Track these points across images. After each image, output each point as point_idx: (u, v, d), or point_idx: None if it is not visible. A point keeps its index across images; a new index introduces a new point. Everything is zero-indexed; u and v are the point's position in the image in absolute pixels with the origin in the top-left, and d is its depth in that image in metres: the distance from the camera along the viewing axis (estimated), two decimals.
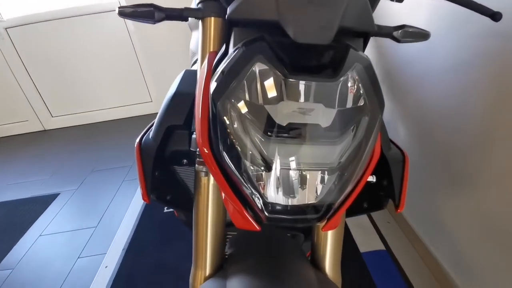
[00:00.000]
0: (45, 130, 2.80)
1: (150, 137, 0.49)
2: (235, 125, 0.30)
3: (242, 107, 0.29)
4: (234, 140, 0.30)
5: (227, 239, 0.53)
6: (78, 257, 1.29)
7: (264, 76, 0.29)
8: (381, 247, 1.12)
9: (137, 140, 0.49)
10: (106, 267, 1.21)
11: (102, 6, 2.33)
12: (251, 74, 0.29)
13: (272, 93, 0.29)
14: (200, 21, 0.44)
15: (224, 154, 0.31)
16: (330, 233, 0.47)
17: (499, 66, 0.63)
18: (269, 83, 0.29)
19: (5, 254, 1.34)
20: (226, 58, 0.32)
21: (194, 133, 0.45)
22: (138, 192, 1.64)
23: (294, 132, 0.29)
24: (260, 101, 0.29)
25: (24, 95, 2.61)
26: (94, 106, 2.73)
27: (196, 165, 0.42)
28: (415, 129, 1.00)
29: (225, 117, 0.30)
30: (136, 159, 0.47)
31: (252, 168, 0.31)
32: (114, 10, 2.37)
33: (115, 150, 2.20)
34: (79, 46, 2.46)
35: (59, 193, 1.77)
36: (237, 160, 0.31)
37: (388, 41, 1.05)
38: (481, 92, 0.68)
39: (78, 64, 2.53)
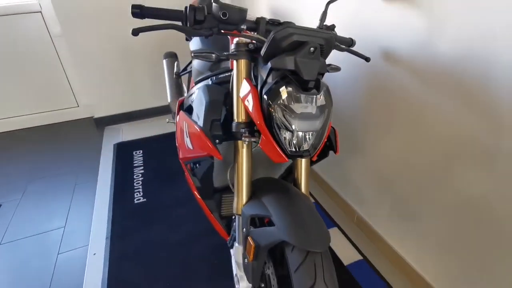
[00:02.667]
0: None
1: (202, 126, 0.82)
2: (278, 113, 0.68)
3: (282, 105, 0.67)
4: (277, 119, 0.68)
5: None
6: (58, 253, 1.38)
7: (290, 93, 0.68)
8: (313, 201, 1.63)
9: (198, 129, 0.81)
10: (94, 254, 1.35)
11: (20, 7, 2.21)
12: (285, 91, 0.67)
13: (293, 99, 0.68)
14: (235, 61, 0.79)
15: (273, 125, 0.68)
16: (303, 170, 0.88)
17: (368, 82, 1.17)
18: (292, 96, 0.68)
19: None
20: (268, 84, 0.69)
21: (234, 121, 0.79)
22: (101, 190, 1.75)
23: (302, 115, 0.69)
24: (288, 103, 0.68)
25: None
26: (7, 113, 2.50)
27: (243, 138, 0.77)
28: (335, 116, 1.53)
29: (274, 109, 0.67)
30: (203, 138, 0.79)
31: (284, 131, 0.69)
32: (35, 12, 2.27)
33: (49, 157, 2.15)
34: None
35: (0, 204, 1.70)
36: (278, 128, 0.69)
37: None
38: (363, 95, 1.22)
39: None
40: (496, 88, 0.75)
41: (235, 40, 0.78)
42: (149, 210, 1.57)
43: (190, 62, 1.73)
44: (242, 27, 0.77)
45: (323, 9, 0.99)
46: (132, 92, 2.55)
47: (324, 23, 0.93)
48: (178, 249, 1.34)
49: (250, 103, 0.73)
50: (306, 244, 0.66)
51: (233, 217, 0.98)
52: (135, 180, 1.80)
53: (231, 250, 0.95)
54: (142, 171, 1.88)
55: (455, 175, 0.91)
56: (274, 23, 0.85)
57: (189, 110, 1.07)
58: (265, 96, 0.69)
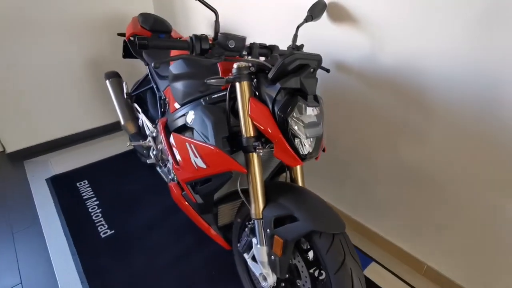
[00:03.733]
0: None
1: (215, 144, 0.88)
2: (292, 124, 0.80)
3: (294, 118, 0.80)
4: (292, 129, 0.80)
5: None
6: None
7: (299, 105, 0.81)
8: None
9: (213, 147, 0.86)
10: None
11: None
12: (296, 106, 0.80)
13: (302, 111, 0.81)
14: (237, 82, 0.87)
15: (288, 135, 0.80)
16: (299, 169, 1.02)
17: (327, 88, 1.40)
18: (301, 108, 0.81)
19: None
20: (279, 101, 0.81)
21: (243, 136, 0.88)
22: (51, 233, 1.53)
23: (309, 124, 0.83)
24: (299, 115, 0.81)
25: None
26: None
27: (257, 150, 0.87)
28: None
29: (288, 121, 0.79)
30: (222, 155, 0.85)
31: (298, 139, 0.82)
32: None
33: None
34: None
35: None
36: (293, 136, 0.81)
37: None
38: (324, 99, 1.44)
39: None
40: (423, 86, 1.04)
41: (236, 64, 0.87)
42: (122, 241, 1.47)
43: (143, 81, 1.67)
44: (243, 53, 0.87)
45: (293, 32, 1.16)
46: (55, 117, 2.26)
47: (295, 44, 1.10)
48: (170, 271, 1.32)
49: (262, 118, 0.84)
50: (331, 228, 0.81)
51: (247, 223, 1.06)
52: (92, 214, 1.64)
53: (245, 255, 1.03)
54: (97, 202, 1.72)
55: (397, 149, 1.20)
56: (262, 47, 0.97)
57: (179, 131, 1.09)
58: (279, 112, 0.81)
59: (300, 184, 1.04)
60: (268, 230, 0.90)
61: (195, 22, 2.06)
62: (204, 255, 1.39)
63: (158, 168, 1.60)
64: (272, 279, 0.93)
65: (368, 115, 1.26)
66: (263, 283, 0.95)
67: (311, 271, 0.91)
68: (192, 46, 0.81)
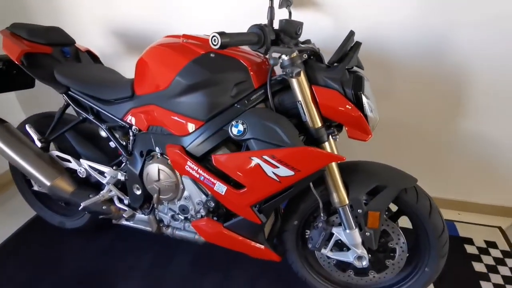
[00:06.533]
0: None
1: (295, 144, 0.78)
2: (364, 100, 0.82)
3: (364, 93, 0.82)
4: (366, 104, 0.81)
5: None
6: None
7: (366, 81, 0.83)
8: None
9: (297, 147, 0.79)
10: None
11: None
12: (366, 81, 0.82)
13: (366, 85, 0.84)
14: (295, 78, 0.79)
15: (365, 110, 0.81)
16: (334, 146, 1.04)
17: None
18: (367, 83, 0.84)
19: None
20: (347, 81, 0.80)
21: (311, 128, 0.82)
22: None
23: (369, 96, 0.86)
24: (365, 90, 0.83)
25: None
26: None
27: (333, 137, 0.83)
28: None
29: (361, 96, 0.80)
30: (314, 151, 0.78)
31: (369, 111, 0.84)
32: None
33: None
34: None
35: None
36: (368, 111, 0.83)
37: None
38: None
39: None
40: (388, 51, 1.28)
41: (287, 55, 0.78)
42: None
43: (61, 116, 1.15)
44: (299, 39, 0.80)
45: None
46: None
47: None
48: None
49: (337, 102, 0.81)
50: (411, 182, 0.91)
51: (317, 218, 0.98)
52: None
53: (323, 250, 0.99)
54: None
55: None
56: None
57: (207, 153, 0.88)
58: (353, 91, 0.80)
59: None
60: (359, 210, 0.90)
61: (70, 29, 1.58)
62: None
63: (125, 222, 1.20)
64: (367, 256, 0.95)
65: None
66: (361, 264, 0.96)
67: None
68: (264, 37, 0.68)
